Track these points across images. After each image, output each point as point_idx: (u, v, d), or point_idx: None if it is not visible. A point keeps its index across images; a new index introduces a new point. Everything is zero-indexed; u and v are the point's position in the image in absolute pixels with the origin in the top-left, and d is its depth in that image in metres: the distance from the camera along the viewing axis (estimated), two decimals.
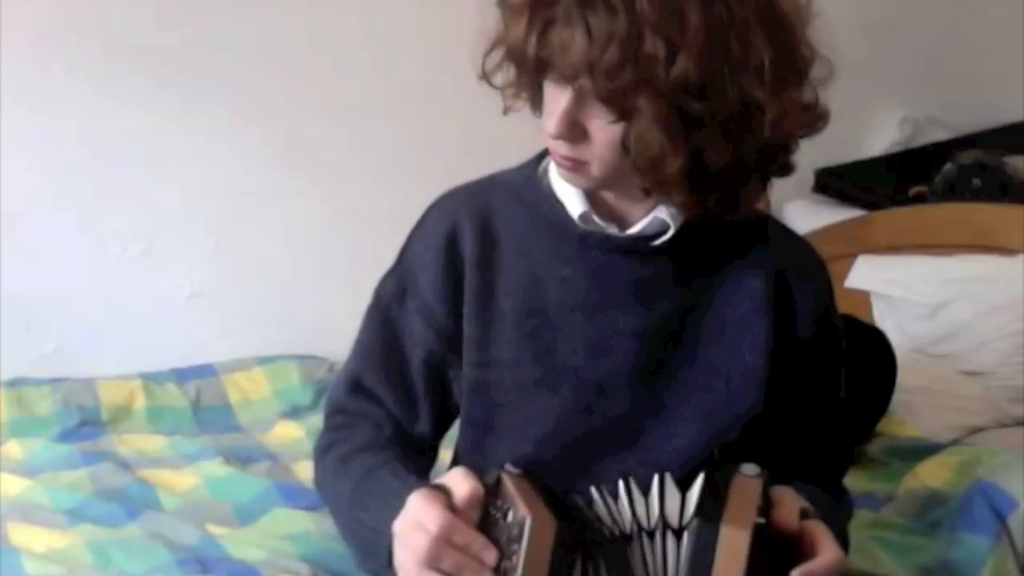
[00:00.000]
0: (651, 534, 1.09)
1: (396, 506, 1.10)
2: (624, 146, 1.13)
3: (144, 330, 2.28)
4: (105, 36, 2.19)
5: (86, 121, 2.20)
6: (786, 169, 1.22)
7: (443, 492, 1.08)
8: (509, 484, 1.05)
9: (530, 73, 1.17)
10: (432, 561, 1.05)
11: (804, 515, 1.13)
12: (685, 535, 1.07)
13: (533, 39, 1.12)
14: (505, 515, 1.03)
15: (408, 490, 1.10)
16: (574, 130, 1.15)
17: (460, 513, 1.05)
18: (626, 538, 1.09)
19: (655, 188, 1.17)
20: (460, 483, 1.07)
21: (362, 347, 1.33)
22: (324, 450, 1.31)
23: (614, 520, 1.09)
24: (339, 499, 1.26)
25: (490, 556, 1.04)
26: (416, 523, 1.06)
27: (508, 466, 1.08)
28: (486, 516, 1.06)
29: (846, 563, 1.14)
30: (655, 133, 1.11)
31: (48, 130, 2.18)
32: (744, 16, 1.10)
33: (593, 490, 1.11)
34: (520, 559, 1.00)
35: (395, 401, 1.30)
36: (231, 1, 2.27)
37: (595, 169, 1.18)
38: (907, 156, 2.91)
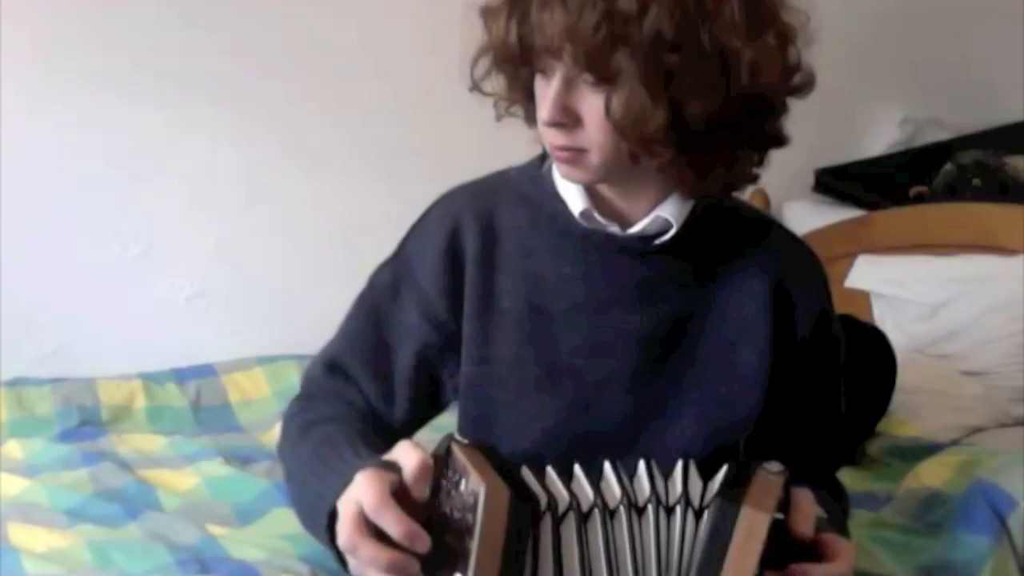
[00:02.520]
0: (670, 509, 1.09)
1: (345, 474, 1.08)
2: (608, 111, 1.14)
3: (144, 330, 2.29)
4: (107, 37, 2.19)
5: (86, 121, 2.20)
6: (778, 140, 1.22)
7: (392, 468, 1.06)
8: (460, 454, 1.03)
9: (516, 66, 1.18)
10: (350, 551, 1.04)
11: (819, 526, 1.13)
12: (705, 514, 1.08)
13: (513, 28, 1.15)
14: (457, 486, 1.02)
15: (361, 462, 1.09)
16: (567, 115, 1.16)
17: (412, 487, 1.04)
18: (637, 509, 1.09)
19: (640, 149, 1.17)
20: (408, 456, 1.05)
21: (346, 330, 1.33)
22: (291, 417, 1.31)
23: (622, 492, 1.09)
24: (295, 462, 1.24)
25: (420, 543, 1.01)
26: (354, 502, 1.04)
27: (457, 435, 1.07)
28: (437, 488, 1.04)
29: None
30: (637, 91, 1.12)
31: (48, 130, 2.18)
32: None
33: (607, 463, 1.11)
34: (477, 528, 0.99)
35: (371, 387, 1.30)
36: (233, 2, 2.27)
37: (594, 156, 1.18)
38: (907, 156, 2.91)
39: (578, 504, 1.07)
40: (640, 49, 1.10)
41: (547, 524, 1.06)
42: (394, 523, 1.01)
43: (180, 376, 2.18)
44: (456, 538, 1.01)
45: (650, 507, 1.09)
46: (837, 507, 1.27)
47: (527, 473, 1.09)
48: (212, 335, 2.30)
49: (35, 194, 2.19)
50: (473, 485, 1.00)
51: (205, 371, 2.20)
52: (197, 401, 2.14)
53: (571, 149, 1.18)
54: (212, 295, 2.34)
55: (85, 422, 2.03)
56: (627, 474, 1.12)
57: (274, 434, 2.04)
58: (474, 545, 0.99)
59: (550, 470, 1.10)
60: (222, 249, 2.33)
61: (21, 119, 2.14)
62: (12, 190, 2.14)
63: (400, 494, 1.04)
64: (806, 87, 1.20)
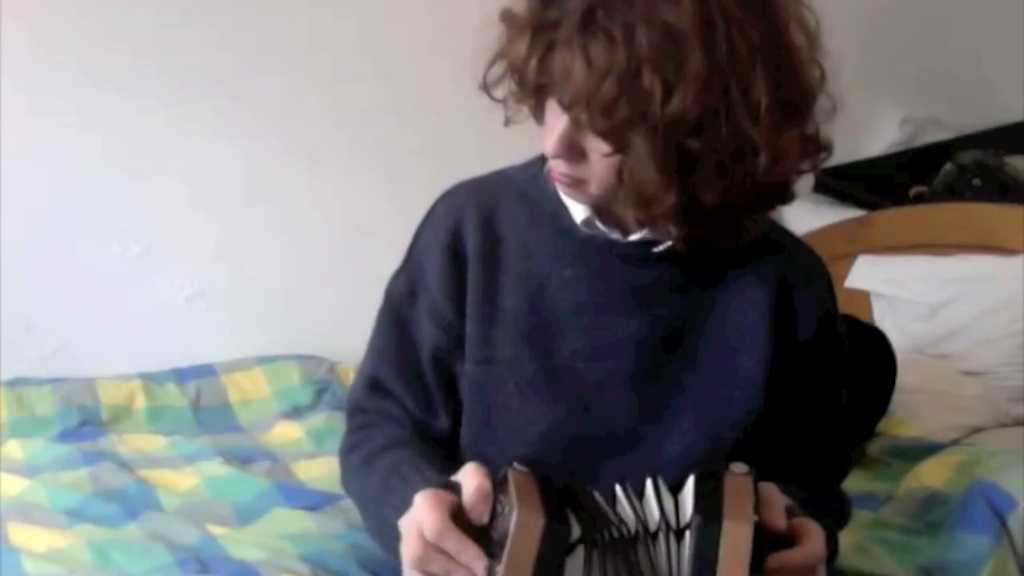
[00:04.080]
0: (654, 535, 1.08)
1: None
2: (619, 177, 1.13)
3: (144, 330, 2.28)
4: (107, 33, 2.19)
5: (86, 119, 2.20)
6: (788, 198, 1.22)
7: (453, 490, 1.08)
8: (511, 481, 1.05)
9: (531, 93, 1.16)
10: (421, 564, 1.05)
11: (789, 513, 1.13)
12: (686, 534, 1.07)
13: (534, 63, 1.11)
14: (504, 511, 1.04)
15: (428, 487, 1.10)
16: (572, 151, 1.15)
17: (470, 510, 1.05)
18: (632, 539, 1.09)
19: (647, 222, 1.17)
20: (469, 479, 1.07)
21: (376, 347, 1.33)
22: (348, 450, 1.32)
23: (621, 520, 1.09)
24: (366, 497, 1.26)
25: (478, 566, 1.03)
26: (415, 523, 1.06)
27: (516, 463, 1.08)
28: (494, 512, 1.06)
29: (822, 561, 1.14)
30: (648, 169, 1.10)
31: (48, 129, 2.18)
32: (747, 55, 1.08)
33: (595, 493, 1.11)
34: (504, 554, 1.00)
35: (412, 398, 1.30)
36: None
37: (593, 188, 1.18)
38: (907, 156, 2.91)
39: (621, 533, 1.08)
40: (658, 131, 1.08)
41: (595, 554, 1.06)
42: (457, 547, 1.03)
43: (180, 376, 2.18)
44: (496, 563, 1.03)
45: (640, 535, 1.08)
46: (818, 506, 1.26)
47: (592, 501, 1.09)
48: (212, 335, 2.30)
49: (35, 194, 2.19)
50: (512, 513, 1.01)
51: (205, 371, 2.20)
52: (197, 401, 2.14)
53: (571, 177, 1.18)
54: (212, 295, 2.33)
55: (85, 422, 2.03)
56: (610, 498, 1.11)
57: (274, 434, 2.06)
58: (500, 571, 1.00)
59: (599, 499, 1.09)
60: (222, 249, 2.33)
61: (21, 117, 2.13)
62: (12, 190, 2.14)
63: (459, 516, 1.05)
64: (824, 156, 1.19)
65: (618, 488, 1.10)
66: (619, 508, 1.10)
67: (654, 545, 1.08)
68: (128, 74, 2.20)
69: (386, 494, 1.20)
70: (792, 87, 1.12)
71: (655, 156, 1.09)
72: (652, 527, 1.08)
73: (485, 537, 1.05)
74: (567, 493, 1.08)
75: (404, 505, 1.11)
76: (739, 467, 1.10)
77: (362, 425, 1.33)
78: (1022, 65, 2.95)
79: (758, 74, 1.09)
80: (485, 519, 1.06)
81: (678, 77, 1.06)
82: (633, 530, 1.08)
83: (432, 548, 1.04)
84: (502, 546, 1.02)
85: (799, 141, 1.14)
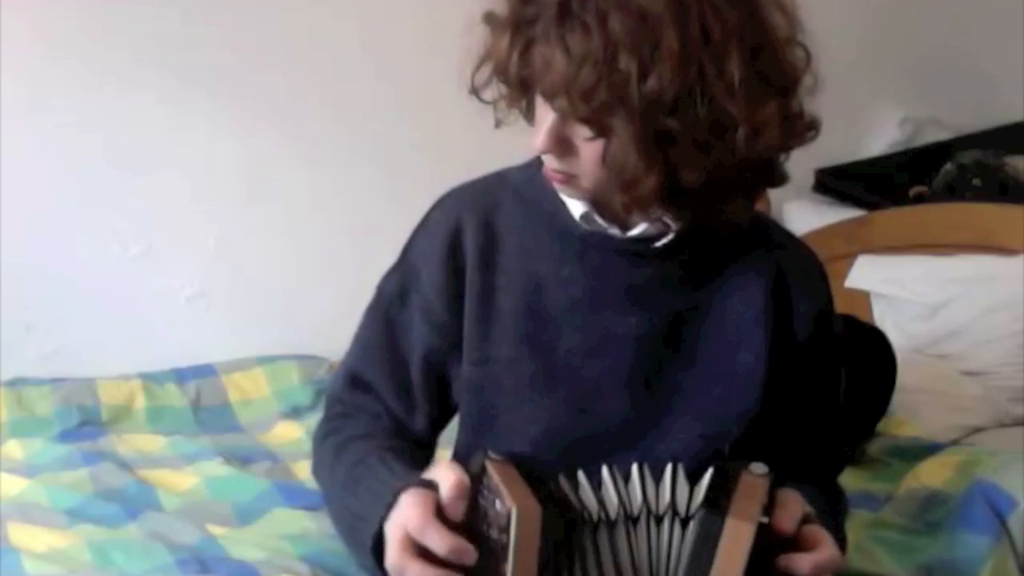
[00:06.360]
0: (659, 519, 1.10)
1: (383, 494, 1.11)
2: (604, 160, 1.14)
3: (144, 330, 2.28)
4: (107, 34, 2.19)
5: (86, 118, 2.20)
6: (778, 180, 1.22)
7: (432, 488, 1.08)
8: (493, 472, 1.05)
9: (516, 90, 1.18)
10: (397, 571, 1.07)
11: (806, 520, 1.13)
12: (690, 524, 1.08)
13: (515, 58, 1.14)
14: (493, 504, 1.04)
15: (397, 480, 1.12)
16: (561, 144, 1.16)
17: (448, 507, 1.06)
18: (632, 520, 1.10)
19: (634, 205, 1.18)
20: (446, 476, 1.08)
21: (361, 342, 1.34)
22: (322, 438, 1.32)
23: (619, 502, 1.10)
24: (332, 485, 1.26)
25: (468, 558, 1.04)
26: (400, 523, 1.08)
27: (490, 452, 1.08)
28: (475, 505, 1.06)
29: (843, 563, 1.15)
30: (630, 152, 1.12)
31: (48, 129, 2.18)
32: (721, 34, 1.10)
33: (605, 470, 1.12)
34: (510, 549, 1.01)
35: (393, 397, 1.30)
36: None
37: (585, 182, 1.19)
38: (907, 156, 2.91)
39: (607, 515, 1.09)
40: (637, 112, 1.10)
41: (586, 533, 1.08)
42: (438, 540, 1.05)
43: (180, 376, 2.18)
44: (493, 558, 1.03)
45: (642, 517, 1.10)
46: (825, 502, 1.27)
47: (564, 485, 1.10)
48: (212, 335, 2.30)
49: (35, 194, 2.19)
50: (506, 505, 1.02)
51: (205, 371, 2.20)
52: (197, 401, 2.14)
53: (564, 173, 1.19)
54: (212, 295, 2.33)
55: (85, 422, 2.03)
56: (622, 477, 1.13)
57: (274, 434, 2.06)
58: (508, 568, 1.01)
59: (582, 478, 1.11)
60: (222, 249, 2.33)
61: (21, 116, 2.13)
62: (12, 190, 2.14)
63: (439, 513, 1.07)
64: (811, 135, 1.20)
65: (635, 467, 1.12)
66: (602, 492, 1.10)
67: (658, 528, 1.09)
68: (128, 73, 2.20)
69: (350, 483, 1.20)
70: (769, 63, 1.14)
71: (635, 137, 1.11)
72: (659, 510, 1.10)
73: (470, 531, 1.05)
74: (542, 478, 1.08)
75: (367, 495, 1.13)
76: (758, 468, 1.11)
77: (338, 415, 1.33)
78: (1022, 64, 2.95)
79: (733, 51, 1.10)
80: (462, 514, 1.06)
81: (653, 58, 1.08)
82: (614, 514, 1.09)
83: (406, 554, 1.06)
84: (501, 543, 1.02)
85: (779, 116, 1.14)
